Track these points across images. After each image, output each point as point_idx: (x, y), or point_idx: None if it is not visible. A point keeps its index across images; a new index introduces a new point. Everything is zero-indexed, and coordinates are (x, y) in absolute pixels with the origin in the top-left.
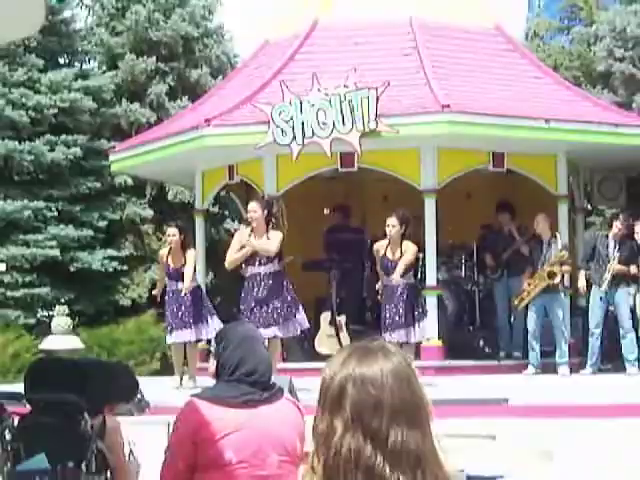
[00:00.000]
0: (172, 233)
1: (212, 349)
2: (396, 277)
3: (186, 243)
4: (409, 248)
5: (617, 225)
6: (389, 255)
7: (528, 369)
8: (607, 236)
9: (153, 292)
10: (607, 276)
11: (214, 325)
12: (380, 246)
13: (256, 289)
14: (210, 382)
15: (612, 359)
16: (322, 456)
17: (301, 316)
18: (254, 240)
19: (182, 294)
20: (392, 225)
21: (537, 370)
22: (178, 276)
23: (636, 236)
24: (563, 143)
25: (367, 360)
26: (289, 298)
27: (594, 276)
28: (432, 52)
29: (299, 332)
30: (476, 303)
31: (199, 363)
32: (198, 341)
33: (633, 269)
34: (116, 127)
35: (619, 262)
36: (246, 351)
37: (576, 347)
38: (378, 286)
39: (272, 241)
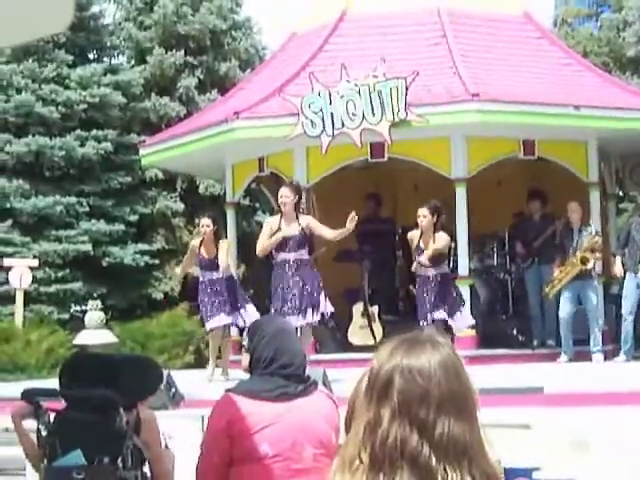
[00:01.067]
0: (206, 223)
1: (245, 343)
2: (423, 260)
3: (219, 234)
4: (441, 237)
5: None
6: (422, 246)
7: (561, 357)
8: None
9: (176, 270)
10: None
11: (250, 312)
12: (413, 235)
13: (286, 275)
14: (242, 375)
15: None
16: (368, 445)
17: (325, 304)
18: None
19: (216, 283)
20: (423, 215)
21: (571, 358)
22: (212, 266)
23: None
24: (593, 130)
25: (415, 351)
26: (317, 286)
27: (629, 262)
28: (460, 41)
29: (328, 322)
30: (508, 292)
31: (232, 356)
32: (231, 328)
33: None
34: (146, 121)
35: None
36: (280, 344)
37: (610, 334)
38: (414, 267)
39: (322, 228)
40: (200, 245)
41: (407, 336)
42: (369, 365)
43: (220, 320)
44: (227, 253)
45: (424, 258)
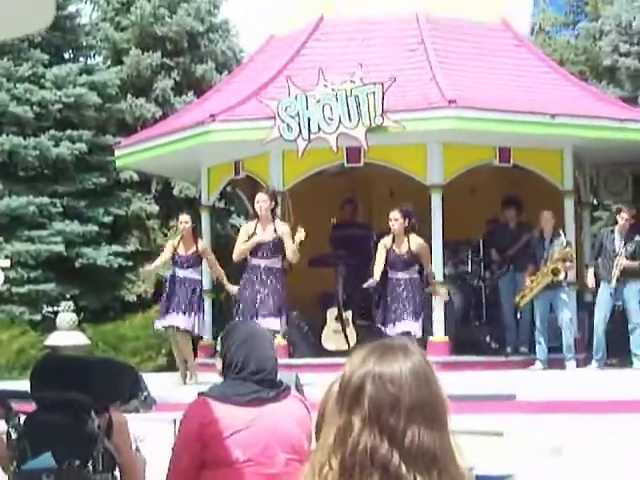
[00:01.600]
0: (185, 220)
1: (218, 347)
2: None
3: (196, 233)
4: (420, 244)
5: (623, 217)
6: (395, 249)
7: (535, 364)
8: (612, 231)
9: (147, 266)
10: (615, 272)
11: (201, 322)
12: (386, 242)
13: (256, 281)
14: (216, 379)
15: (618, 354)
16: (339, 452)
17: (283, 319)
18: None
19: (185, 282)
20: (395, 219)
21: (544, 365)
22: (186, 263)
23: None
24: (569, 138)
25: (387, 358)
26: (283, 295)
27: (602, 272)
28: (438, 47)
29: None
30: (482, 298)
31: (206, 359)
32: (190, 335)
33: (637, 264)
34: (121, 122)
35: (626, 257)
36: (251, 349)
37: (582, 342)
38: (369, 282)
39: (288, 246)
40: (179, 242)
41: (379, 343)
42: (341, 371)
43: (171, 320)
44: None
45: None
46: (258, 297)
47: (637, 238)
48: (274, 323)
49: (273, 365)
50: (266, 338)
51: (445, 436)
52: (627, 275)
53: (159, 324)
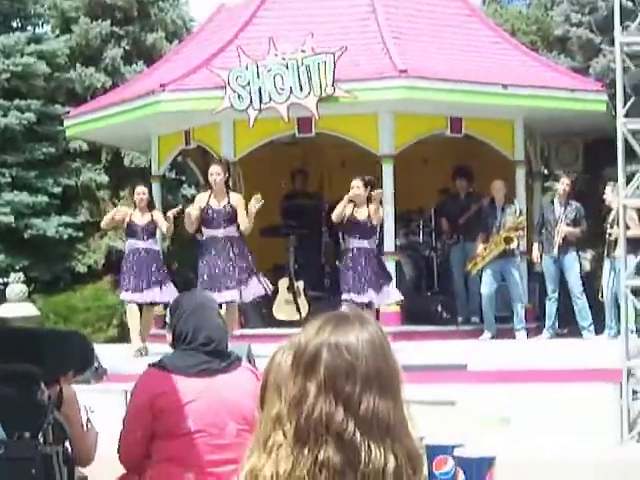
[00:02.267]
0: (142, 191)
1: (167, 319)
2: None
3: (151, 204)
4: (375, 209)
5: (564, 182)
6: (355, 216)
7: (484, 334)
8: (552, 201)
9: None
10: (557, 239)
11: (169, 291)
12: (347, 204)
13: (214, 252)
14: (168, 350)
15: (569, 323)
16: (293, 420)
17: (257, 282)
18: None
19: (142, 252)
20: (357, 187)
21: (493, 335)
22: (142, 234)
23: (606, 197)
24: (520, 108)
25: (343, 328)
26: (246, 264)
27: (545, 243)
28: (390, 17)
29: (254, 298)
30: (434, 268)
31: (158, 330)
32: (152, 304)
33: (578, 231)
34: (70, 92)
35: (567, 224)
36: (200, 320)
37: (533, 312)
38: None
39: (242, 216)
40: (133, 212)
41: (335, 313)
42: (285, 341)
43: (136, 297)
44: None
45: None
46: (219, 268)
47: (575, 205)
48: (244, 292)
49: (221, 335)
50: (214, 309)
51: (399, 406)
52: (568, 243)
53: (124, 296)
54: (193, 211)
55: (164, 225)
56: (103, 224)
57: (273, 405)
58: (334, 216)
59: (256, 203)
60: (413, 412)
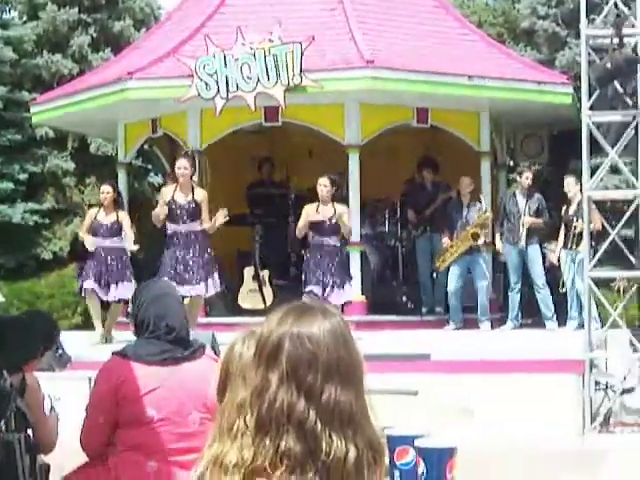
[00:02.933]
0: (106, 190)
1: (129, 309)
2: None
3: (118, 202)
4: (344, 211)
5: (527, 175)
6: (321, 215)
7: (449, 325)
8: (514, 194)
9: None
10: (522, 231)
11: (131, 288)
12: (310, 209)
13: (177, 247)
14: (132, 338)
15: (532, 314)
16: (255, 410)
17: (216, 278)
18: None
19: (108, 252)
20: (324, 185)
21: (458, 325)
22: (108, 233)
23: (566, 190)
24: (486, 100)
25: (305, 318)
26: (208, 258)
27: (507, 235)
28: (357, 7)
29: (213, 293)
30: (399, 259)
31: (122, 318)
32: (118, 301)
33: (541, 221)
34: (37, 78)
35: (530, 215)
36: (160, 308)
37: (497, 303)
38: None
39: (205, 214)
40: (98, 212)
41: (297, 304)
42: (244, 331)
43: (92, 286)
44: (129, 225)
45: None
46: (181, 263)
47: (537, 196)
48: (203, 288)
49: (181, 324)
50: (175, 297)
51: (361, 396)
52: (531, 235)
53: (85, 285)
54: (161, 213)
55: (130, 232)
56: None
57: (237, 393)
58: (297, 232)
59: (222, 217)
60: (375, 402)
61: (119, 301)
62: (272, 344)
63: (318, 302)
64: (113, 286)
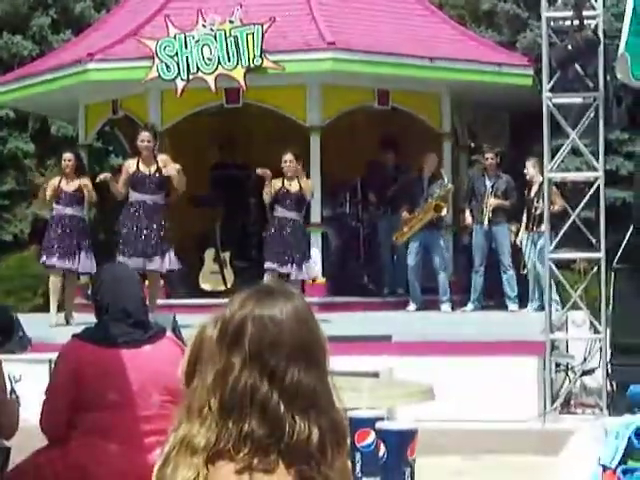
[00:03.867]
0: (68, 158)
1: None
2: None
3: (81, 170)
4: (308, 183)
5: (489, 157)
6: (286, 187)
7: (409, 305)
8: (483, 174)
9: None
10: (487, 212)
11: (91, 261)
12: (274, 183)
13: (139, 217)
14: (92, 320)
15: (493, 296)
16: (218, 393)
17: (172, 257)
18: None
19: (68, 219)
20: (290, 161)
21: (418, 306)
22: (69, 201)
23: (526, 172)
24: (447, 82)
25: (267, 301)
26: (166, 234)
27: (475, 214)
28: None
29: (166, 270)
30: (360, 240)
31: (82, 299)
32: (73, 272)
33: (507, 203)
34: None
35: (497, 196)
36: (117, 291)
37: (458, 284)
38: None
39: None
40: (61, 179)
41: (260, 286)
42: (211, 315)
43: (59, 263)
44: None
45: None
46: (141, 234)
47: (505, 177)
48: (158, 262)
49: (138, 307)
50: (133, 280)
51: (324, 378)
52: (499, 216)
53: (46, 260)
54: (121, 188)
55: (92, 194)
56: (47, 200)
57: (207, 376)
58: (265, 196)
59: (175, 169)
60: (337, 384)
61: (72, 272)
62: (234, 327)
63: (280, 284)
64: (74, 256)
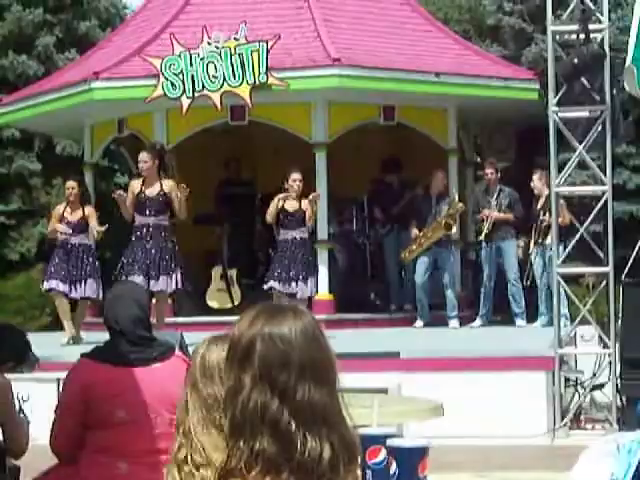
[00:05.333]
0: (71, 186)
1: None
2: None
3: (85, 197)
4: (314, 212)
5: (488, 172)
6: (289, 208)
7: (417, 322)
8: (486, 189)
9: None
10: (487, 224)
11: (96, 286)
12: (278, 200)
13: (145, 240)
14: (102, 338)
15: (501, 311)
16: (229, 412)
17: (178, 277)
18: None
19: (73, 248)
20: (299, 180)
21: (426, 322)
22: (74, 230)
23: (533, 184)
24: (453, 97)
25: (277, 318)
26: (174, 254)
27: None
28: (323, 5)
29: (172, 290)
30: (367, 256)
31: (90, 318)
32: (85, 299)
33: (511, 216)
34: (3, 79)
35: (500, 211)
36: (115, 310)
37: (466, 300)
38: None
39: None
40: (65, 208)
41: (268, 305)
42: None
43: (61, 287)
44: (96, 219)
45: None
46: (147, 256)
47: (507, 190)
48: (165, 283)
49: (135, 326)
50: (131, 299)
51: (334, 395)
52: (504, 231)
53: (47, 285)
54: (130, 206)
55: (95, 226)
56: (50, 235)
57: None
58: (268, 217)
59: (181, 192)
60: (348, 401)
61: (85, 299)
62: (244, 345)
63: (289, 302)
64: (79, 284)
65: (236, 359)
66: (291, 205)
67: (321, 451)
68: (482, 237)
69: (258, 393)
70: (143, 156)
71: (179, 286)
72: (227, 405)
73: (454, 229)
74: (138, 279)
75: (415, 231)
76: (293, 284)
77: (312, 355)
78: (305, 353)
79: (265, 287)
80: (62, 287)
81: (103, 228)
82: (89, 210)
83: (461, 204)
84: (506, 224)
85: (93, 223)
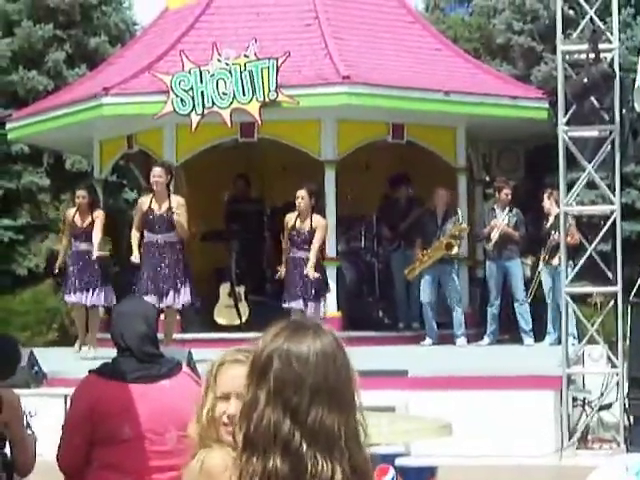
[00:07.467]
0: (81, 195)
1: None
2: (310, 263)
3: (95, 205)
4: (320, 224)
5: (506, 192)
6: (298, 227)
7: (425, 340)
8: (493, 208)
9: (57, 263)
10: (495, 234)
11: (109, 294)
12: (289, 218)
13: (153, 257)
14: (112, 353)
15: (509, 330)
16: (243, 427)
17: (187, 291)
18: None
19: (85, 255)
20: (302, 197)
21: (434, 341)
22: (84, 236)
23: (544, 205)
24: (462, 115)
25: (297, 336)
26: (182, 270)
27: (488, 249)
28: (333, 23)
29: (181, 305)
30: (375, 274)
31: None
32: (95, 307)
33: (517, 235)
34: (13, 95)
35: (507, 226)
36: (121, 327)
37: (474, 318)
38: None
39: (182, 220)
40: (74, 214)
41: (293, 321)
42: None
43: (80, 298)
44: (101, 228)
45: (312, 259)
46: (156, 273)
47: (515, 211)
48: (173, 298)
49: (141, 342)
50: (137, 315)
51: (350, 418)
52: (510, 249)
53: (69, 299)
54: (134, 241)
55: (98, 234)
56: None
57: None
58: (284, 244)
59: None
60: (367, 423)
61: (94, 306)
62: (263, 360)
63: (313, 320)
64: (92, 291)
65: (255, 373)
66: (303, 224)
67: (333, 474)
68: (490, 246)
69: (271, 411)
70: (158, 171)
71: (188, 300)
72: (242, 419)
73: (455, 249)
74: (152, 299)
75: (418, 251)
76: (300, 302)
77: (327, 377)
78: (320, 375)
79: (284, 306)
80: (77, 298)
81: (102, 254)
82: (97, 213)
83: (464, 225)
84: (511, 242)
85: (97, 234)
